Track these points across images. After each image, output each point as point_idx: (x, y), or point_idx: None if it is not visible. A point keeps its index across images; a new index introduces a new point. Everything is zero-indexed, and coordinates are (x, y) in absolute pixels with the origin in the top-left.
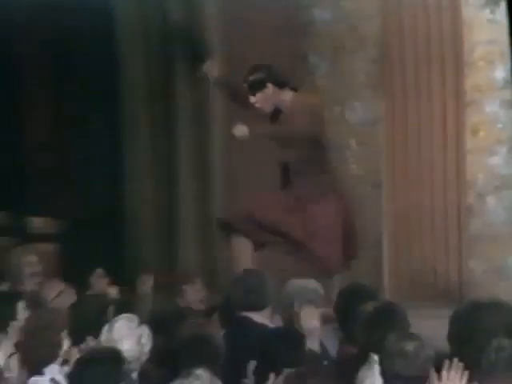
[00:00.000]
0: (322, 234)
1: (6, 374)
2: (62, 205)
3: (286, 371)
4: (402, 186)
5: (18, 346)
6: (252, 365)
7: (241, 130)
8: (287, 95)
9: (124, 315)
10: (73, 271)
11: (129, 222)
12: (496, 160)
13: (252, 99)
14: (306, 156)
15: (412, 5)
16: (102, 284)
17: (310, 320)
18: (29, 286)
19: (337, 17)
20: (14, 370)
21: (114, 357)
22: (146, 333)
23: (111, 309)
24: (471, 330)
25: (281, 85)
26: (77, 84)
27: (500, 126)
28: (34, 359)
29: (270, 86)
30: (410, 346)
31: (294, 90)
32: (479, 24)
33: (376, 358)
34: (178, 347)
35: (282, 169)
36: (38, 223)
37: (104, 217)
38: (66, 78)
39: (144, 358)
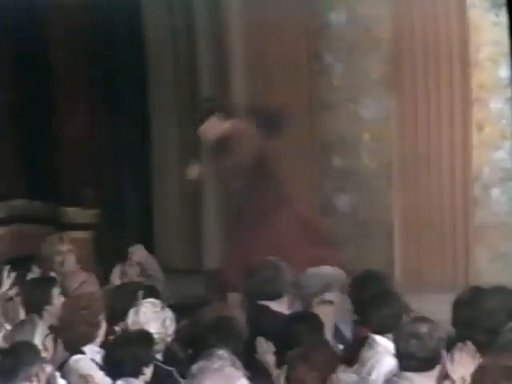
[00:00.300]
0: (286, 244)
1: (43, 354)
2: (94, 195)
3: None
4: (412, 178)
5: (53, 329)
6: (264, 344)
7: (194, 171)
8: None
9: (149, 300)
10: (105, 259)
11: (156, 214)
12: (500, 154)
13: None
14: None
15: (421, 8)
16: (132, 271)
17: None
18: (61, 273)
19: (351, 20)
20: (50, 350)
21: (144, 338)
22: (169, 316)
23: (140, 294)
24: (473, 315)
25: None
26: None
27: (504, 121)
28: (73, 339)
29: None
30: (423, 329)
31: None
32: (485, 26)
33: (376, 338)
34: (203, 329)
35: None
36: (71, 213)
37: (133, 207)
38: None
39: (168, 339)
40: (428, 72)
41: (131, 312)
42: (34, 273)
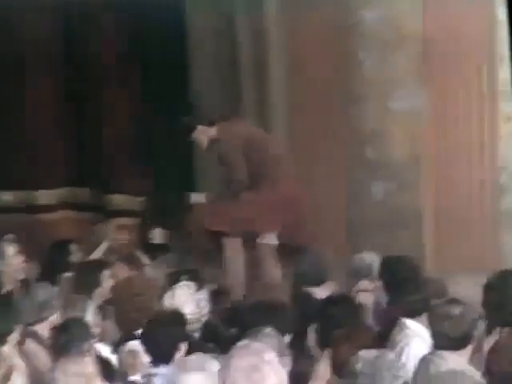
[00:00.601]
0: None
1: (94, 329)
2: (139, 183)
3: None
4: (441, 167)
5: (102, 309)
6: (313, 327)
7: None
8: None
9: (183, 283)
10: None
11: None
12: None
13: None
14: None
15: (450, 5)
16: None
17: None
18: (109, 257)
19: (382, 17)
20: (99, 327)
21: (177, 317)
22: (203, 297)
23: (183, 278)
24: (502, 297)
25: (209, 124)
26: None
27: None
28: (128, 323)
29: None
30: (456, 310)
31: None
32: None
33: (407, 322)
34: (250, 309)
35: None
36: (117, 200)
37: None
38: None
39: (203, 319)
40: (457, 66)
41: (167, 295)
42: (76, 256)
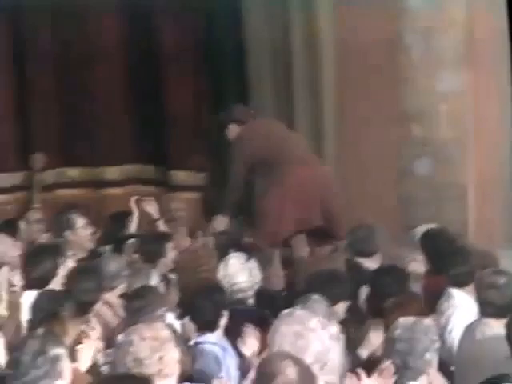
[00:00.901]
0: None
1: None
2: (201, 160)
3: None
4: (484, 144)
5: (165, 278)
6: (364, 292)
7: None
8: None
9: (234, 254)
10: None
11: None
12: None
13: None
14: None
15: None
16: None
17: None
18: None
19: (428, 1)
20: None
21: (216, 288)
22: (254, 266)
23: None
24: None
25: (240, 122)
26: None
27: None
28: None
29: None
30: (501, 280)
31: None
32: None
33: (453, 292)
34: (307, 277)
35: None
36: (181, 176)
37: None
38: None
39: (256, 286)
40: (499, 48)
41: (221, 265)
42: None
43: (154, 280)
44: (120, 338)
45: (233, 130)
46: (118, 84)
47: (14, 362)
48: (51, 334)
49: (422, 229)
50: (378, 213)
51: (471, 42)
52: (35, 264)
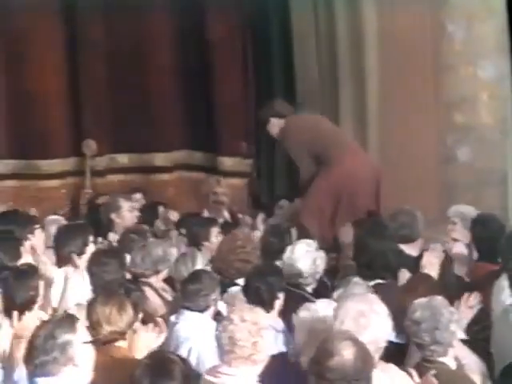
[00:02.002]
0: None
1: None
2: (248, 147)
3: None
4: None
5: (211, 261)
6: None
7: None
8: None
9: (304, 240)
10: (259, 202)
11: None
12: None
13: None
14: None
15: None
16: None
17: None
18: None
19: None
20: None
21: (274, 270)
22: (320, 256)
23: (294, 232)
24: None
25: (280, 116)
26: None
27: None
28: (230, 273)
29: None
30: None
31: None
32: None
33: (506, 276)
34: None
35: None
36: (228, 162)
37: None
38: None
39: (318, 276)
40: None
41: (288, 249)
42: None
43: (200, 264)
44: (173, 319)
45: (274, 125)
46: (168, 71)
47: (28, 344)
48: (65, 320)
49: (457, 208)
50: (419, 199)
51: (511, 30)
52: (65, 242)
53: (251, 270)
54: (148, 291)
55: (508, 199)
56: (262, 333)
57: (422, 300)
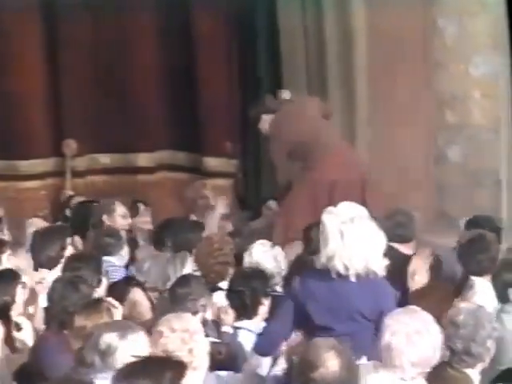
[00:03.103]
0: None
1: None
2: (233, 147)
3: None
4: None
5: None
6: None
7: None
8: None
9: (258, 241)
10: (244, 203)
11: None
12: None
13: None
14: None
15: None
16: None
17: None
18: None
19: None
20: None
21: (259, 274)
22: (279, 252)
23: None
24: None
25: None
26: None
27: None
28: (210, 276)
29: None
30: None
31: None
32: None
33: (474, 279)
34: None
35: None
36: (213, 163)
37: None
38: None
39: (283, 273)
40: None
41: (245, 254)
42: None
43: (189, 269)
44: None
45: (265, 122)
46: (151, 70)
47: None
48: None
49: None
50: (412, 198)
51: (504, 26)
52: (44, 245)
53: (235, 274)
54: (137, 292)
55: (501, 200)
56: (196, 337)
57: (469, 305)
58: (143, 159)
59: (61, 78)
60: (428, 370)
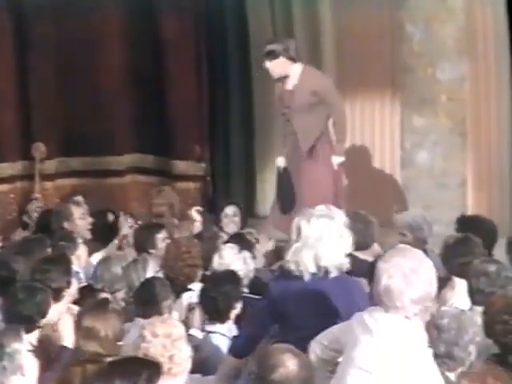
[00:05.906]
0: None
1: None
2: (201, 150)
3: None
4: (484, 134)
5: (163, 267)
6: None
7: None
8: (296, 69)
9: (226, 245)
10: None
11: (258, 167)
12: None
13: (266, 64)
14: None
15: None
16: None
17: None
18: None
19: None
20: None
21: (232, 277)
22: (247, 255)
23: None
24: None
25: (292, 60)
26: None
27: None
28: (179, 279)
29: (282, 58)
30: (492, 268)
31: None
32: None
33: (458, 280)
34: None
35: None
36: (181, 166)
37: (237, 162)
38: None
39: (251, 275)
40: (498, 38)
41: (215, 256)
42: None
43: (151, 270)
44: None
45: (279, 65)
46: (119, 72)
47: None
48: (12, 330)
49: (403, 217)
50: (378, 201)
51: (471, 32)
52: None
53: (207, 278)
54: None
55: (467, 202)
56: (178, 344)
57: (453, 309)
58: (112, 162)
59: (29, 79)
60: (429, 304)
